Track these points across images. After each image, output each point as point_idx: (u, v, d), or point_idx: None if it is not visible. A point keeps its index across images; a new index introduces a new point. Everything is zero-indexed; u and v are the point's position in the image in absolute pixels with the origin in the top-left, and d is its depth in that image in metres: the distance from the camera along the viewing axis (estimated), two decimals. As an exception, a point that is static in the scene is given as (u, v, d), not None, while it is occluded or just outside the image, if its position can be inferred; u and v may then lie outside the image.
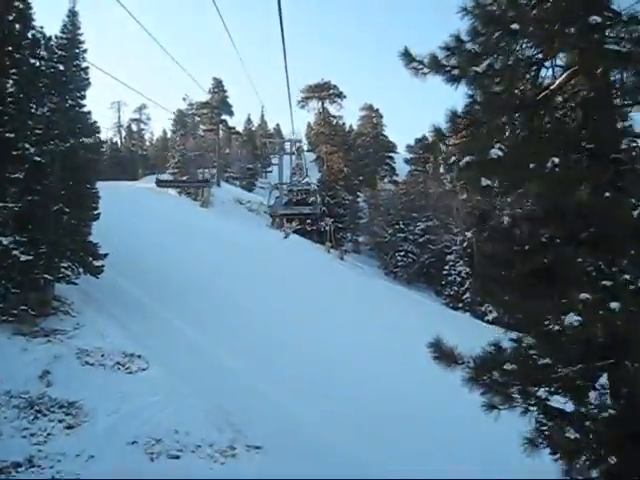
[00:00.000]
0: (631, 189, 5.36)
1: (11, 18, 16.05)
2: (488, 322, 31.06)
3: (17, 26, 16.21)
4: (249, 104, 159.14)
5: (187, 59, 55.62)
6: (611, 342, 5.12)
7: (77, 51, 17.84)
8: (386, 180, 64.00)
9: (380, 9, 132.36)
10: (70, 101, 17.61)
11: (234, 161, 64.51)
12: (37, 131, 15.91)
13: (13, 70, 15.60)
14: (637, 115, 5.69)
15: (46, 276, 15.83)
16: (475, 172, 5.49)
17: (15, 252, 14.82)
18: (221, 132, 58.55)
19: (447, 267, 40.52)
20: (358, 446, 12.56)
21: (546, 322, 6.02)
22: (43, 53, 16.90)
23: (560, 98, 6.37)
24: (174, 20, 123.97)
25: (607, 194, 4.90)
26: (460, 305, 37.68)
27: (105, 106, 73.73)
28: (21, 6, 16.20)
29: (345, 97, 58.61)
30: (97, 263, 17.59)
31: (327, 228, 42.98)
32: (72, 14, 18.04)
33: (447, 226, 44.32)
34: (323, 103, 58.84)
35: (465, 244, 39.42)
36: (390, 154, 68.31)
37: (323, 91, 57.95)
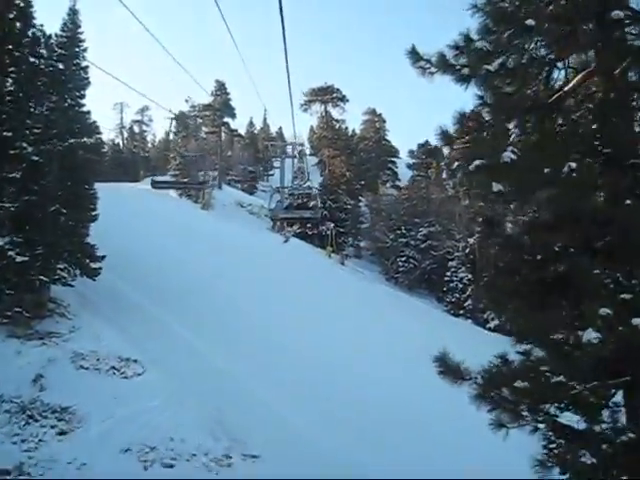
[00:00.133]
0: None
1: (12, 16, 15.88)
2: (490, 330, 30.81)
3: (17, 24, 16.04)
4: (252, 107, 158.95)
5: (189, 61, 55.55)
6: (626, 357, 4.84)
7: (77, 50, 17.64)
8: (388, 185, 63.73)
9: (380, 9, 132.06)
10: (69, 100, 17.41)
11: (236, 164, 64.28)
12: (35, 130, 15.72)
13: (12, 68, 15.41)
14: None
15: (42, 277, 15.61)
16: (485, 176, 5.23)
17: (11, 253, 14.61)
18: (223, 134, 58.38)
19: (449, 273, 40.21)
20: (359, 451, 12.38)
21: (557, 335, 5.75)
22: (43, 51, 16.74)
23: (572, 101, 6.12)
24: (176, 21, 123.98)
25: (628, 201, 4.62)
26: (462, 312, 37.37)
27: (108, 107, 73.77)
28: (22, 4, 16.05)
29: (348, 101, 58.61)
30: (94, 265, 17.34)
31: (328, 232, 42.70)
32: (72, 12, 17.87)
33: (449, 232, 44.03)
34: (326, 107, 58.75)
35: (467, 250, 39.13)
36: (392, 159, 68.04)
37: (326, 95, 57.86)
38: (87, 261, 17.20)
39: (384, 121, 69.09)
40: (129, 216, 29.36)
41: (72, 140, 16.80)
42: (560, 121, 5.78)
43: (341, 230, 46.93)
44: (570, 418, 5.68)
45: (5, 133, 14.86)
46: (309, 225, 43.21)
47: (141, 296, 20.16)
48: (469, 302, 37.24)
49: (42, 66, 16.69)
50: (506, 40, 5.28)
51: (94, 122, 18.69)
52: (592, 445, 4.72)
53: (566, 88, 5.84)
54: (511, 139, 5.99)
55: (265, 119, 73.66)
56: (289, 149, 29.60)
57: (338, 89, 58.00)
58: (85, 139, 17.45)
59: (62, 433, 11.69)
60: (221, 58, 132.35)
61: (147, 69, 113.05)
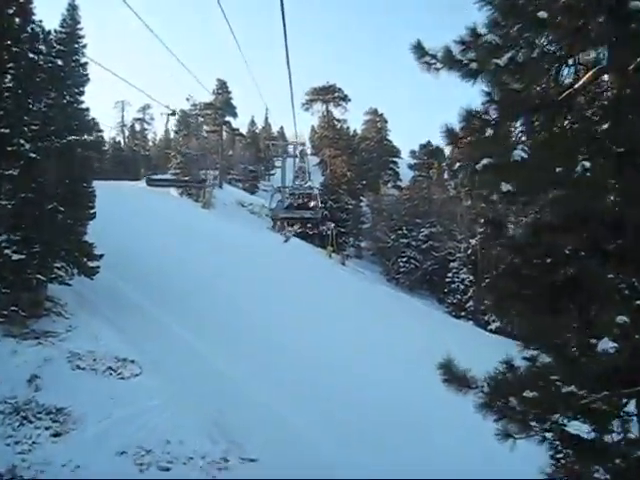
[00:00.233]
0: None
1: (11, 12, 15.68)
2: (491, 332, 30.63)
3: (17, 20, 15.86)
4: (253, 106, 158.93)
5: (191, 60, 54.98)
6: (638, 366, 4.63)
7: (76, 46, 17.41)
8: (389, 185, 63.48)
9: (380, 9, 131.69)
10: (68, 97, 17.16)
11: (237, 163, 64.03)
12: (33, 127, 15.53)
13: (11, 64, 15.22)
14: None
15: (39, 276, 15.43)
16: (494, 175, 5.01)
17: (7, 251, 14.48)
18: (224, 133, 58.16)
19: (450, 274, 39.98)
20: (359, 453, 12.28)
21: (564, 340, 5.55)
22: (42, 47, 16.54)
23: (583, 98, 5.91)
24: (178, 21, 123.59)
25: (643, 203, 4.41)
26: (463, 314, 37.15)
27: (109, 105, 73.51)
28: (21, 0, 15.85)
29: (350, 100, 58.40)
30: (92, 264, 17.11)
31: (329, 232, 42.49)
32: (72, 8, 17.64)
33: (451, 233, 43.79)
34: (327, 106, 58.57)
35: (469, 251, 38.89)
36: (394, 159, 67.77)
37: (328, 94, 57.70)
38: (85, 260, 16.97)
39: (386, 121, 68.89)
40: (129, 215, 29.16)
41: (70, 137, 16.57)
42: (570, 119, 5.56)
43: (342, 230, 46.74)
44: (578, 427, 5.48)
45: (3, 130, 14.71)
46: (310, 225, 43.00)
47: (141, 296, 19.97)
48: (470, 304, 37.03)
49: (41, 62, 16.49)
50: (516, 34, 5.06)
51: (93, 119, 18.54)
52: (604, 458, 4.50)
53: (576, 85, 5.62)
54: (520, 137, 5.78)
55: (267, 118, 73.37)
56: (290, 149, 29.47)
57: (340, 88, 57.95)
58: (84, 136, 17.26)
59: (57, 435, 11.54)
60: (224, 58, 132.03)
61: (147, 66, 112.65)
